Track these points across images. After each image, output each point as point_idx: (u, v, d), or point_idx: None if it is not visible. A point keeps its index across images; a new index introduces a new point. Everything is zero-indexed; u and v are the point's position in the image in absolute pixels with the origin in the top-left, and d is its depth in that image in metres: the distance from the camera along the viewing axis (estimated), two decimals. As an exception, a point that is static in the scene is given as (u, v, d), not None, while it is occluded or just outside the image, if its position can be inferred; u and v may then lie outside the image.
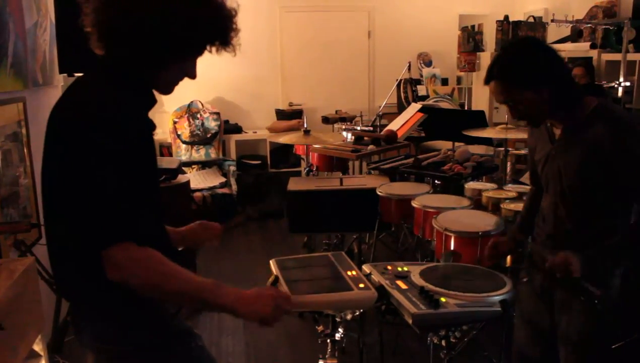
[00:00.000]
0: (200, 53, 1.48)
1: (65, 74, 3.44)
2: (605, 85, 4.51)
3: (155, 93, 1.52)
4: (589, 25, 5.21)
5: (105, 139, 1.29)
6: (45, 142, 1.42)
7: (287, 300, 1.50)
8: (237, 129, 6.72)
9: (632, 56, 4.56)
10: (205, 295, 1.38)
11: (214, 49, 1.47)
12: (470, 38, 6.60)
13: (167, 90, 1.51)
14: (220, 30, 1.45)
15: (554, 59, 1.84)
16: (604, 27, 5.01)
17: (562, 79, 1.85)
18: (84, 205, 1.30)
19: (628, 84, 4.34)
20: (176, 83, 1.52)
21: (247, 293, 1.42)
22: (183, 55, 1.45)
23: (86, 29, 1.42)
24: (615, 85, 4.30)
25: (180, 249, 1.76)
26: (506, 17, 5.90)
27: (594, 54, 5.11)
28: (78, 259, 1.40)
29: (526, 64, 1.82)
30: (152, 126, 1.49)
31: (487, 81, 1.89)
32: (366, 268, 1.94)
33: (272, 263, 1.89)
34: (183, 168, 5.95)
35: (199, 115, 6.39)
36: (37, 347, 2.33)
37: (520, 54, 1.85)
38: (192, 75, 1.52)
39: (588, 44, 5.25)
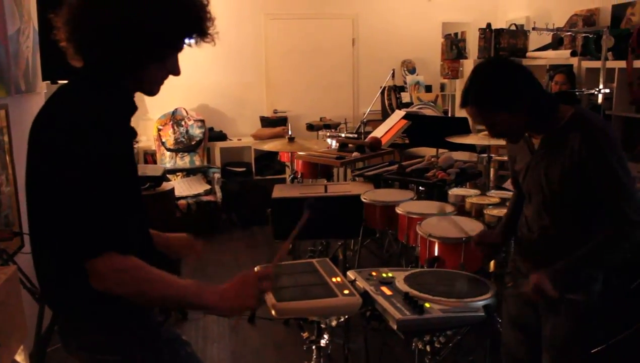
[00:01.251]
0: (179, 48, 1.46)
1: (48, 81, 3.42)
2: (585, 92, 4.57)
3: (140, 98, 1.51)
4: (569, 33, 5.29)
5: (87, 150, 1.29)
6: (28, 152, 1.42)
7: (267, 279, 1.51)
8: (222, 136, 6.71)
9: (611, 63, 4.63)
10: (189, 298, 1.39)
11: (192, 42, 1.46)
12: (454, 45, 6.66)
13: (152, 90, 1.50)
14: (194, 22, 1.43)
15: (525, 77, 1.88)
16: (583, 35, 5.09)
17: (535, 95, 1.88)
18: (67, 216, 1.30)
19: (608, 91, 4.41)
20: (161, 82, 1.50)
21: (228, 289, 1.43)
22: (162, 53, 1.43)
23: (61, 43, 1.41)
24: (595, 92, 4.36)
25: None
26: (489, 25, 5.96)
27: (574, 61, 5.18)
28: (64, 269, 1.39)
29: (499, 87, 1.85)
30: (133, 134, 1.49)
31: (462, 106, 1.93)
32: (351, 274, 1.95)
33: (256, 270, 1.89)
34: (167, 175, 5.93)
35: (183, 123, 6.38)
36: (19, 357, 2.31)
37: (492, 77, 1.88)
38: (176, 72, 1.50)
39: (569, 51, 5.32)
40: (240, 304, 1.43)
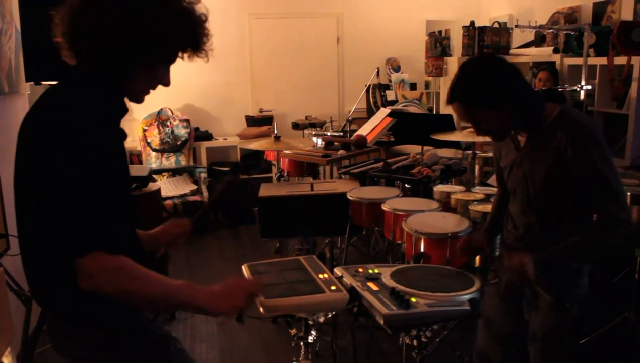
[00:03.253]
0: (172, 59, 1.48)
1: (32, 82, 3.39)
2: (567, 89, 4.63)
3: (126, 101, 1.52)
4: (552, 30, 5.34)
5: (78, 150, 1.29)
6: (17, 152, 1.42)
7: (255, 285, 1.55)
8: (208, 136, 6.69)
9: (592, 60, 4.69)
10: (179, 298, 1.40)
11: (186, 55, 1.48)
12: (438, 43, 6.70)
13: (139, 98, 1.52)
14: (190, 36, 1.46)
15: (512, 75, 1.87)
16: (565, 32, 5.14)
17: (522, 94, 1.87)
18: (57, 215, 1.31)
19: (589, 87, 4.46)
20: (148, 91, 1.52)
21: (217, 290, 1.45)
22: (154, 62, 1.45)
23: (56, 40, 1.41)
24: (577, 89, 4.41)
25: (157, 254, 1.78)
26: (472, 23, 6.01)
27: (556, 58, 5.23)
28: (54, 267, 1.39)
29: (486, 85, 1.84)
30: (123, 135, 1.49)
31: (449, 102, 1.92)
32: (338, 271, 1.96)
33: (244, 268, 1.90)
34: (153, 176, 5.91)
35: (168, 123, 6.35)
36: (6, 359, 2.30)
37: (479, 75, 1.86)
38: (166, 83, 1.52)
39: (551, 48, 5.38)
40: (231, 304, 1.44)
